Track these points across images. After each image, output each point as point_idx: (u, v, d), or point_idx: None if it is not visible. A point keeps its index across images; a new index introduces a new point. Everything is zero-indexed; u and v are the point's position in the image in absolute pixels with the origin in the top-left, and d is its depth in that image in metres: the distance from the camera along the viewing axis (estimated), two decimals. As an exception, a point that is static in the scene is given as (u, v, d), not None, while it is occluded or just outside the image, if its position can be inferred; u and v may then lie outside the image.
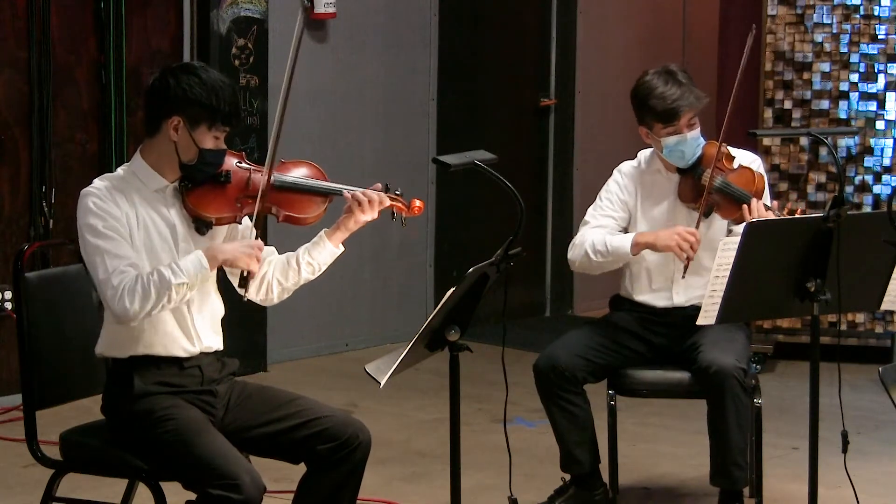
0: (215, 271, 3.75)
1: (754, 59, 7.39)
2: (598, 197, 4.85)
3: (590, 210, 4.84)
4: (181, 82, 3.68)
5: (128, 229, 3.65)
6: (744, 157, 4.80)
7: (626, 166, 4.88)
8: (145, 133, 3.78)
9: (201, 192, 3.74)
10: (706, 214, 4.68)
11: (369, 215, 3.86)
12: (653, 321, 4.79)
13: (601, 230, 4.74)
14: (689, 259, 4.57)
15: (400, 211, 3.94)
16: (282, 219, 3.81)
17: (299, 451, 3.78)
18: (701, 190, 4.66)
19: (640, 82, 4.70)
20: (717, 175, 4.64)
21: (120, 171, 3.78)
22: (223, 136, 3.75)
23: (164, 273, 3.58)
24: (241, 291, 3.81)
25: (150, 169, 3.74)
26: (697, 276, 4.70)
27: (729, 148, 4.74)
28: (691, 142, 4.67)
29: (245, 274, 3.72)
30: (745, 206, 4.56)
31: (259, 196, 3.72)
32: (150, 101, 3.75)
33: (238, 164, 3.80)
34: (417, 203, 3.96)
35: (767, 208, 4.57)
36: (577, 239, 4.77)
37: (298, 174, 3.86)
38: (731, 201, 4.63)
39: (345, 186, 3.87)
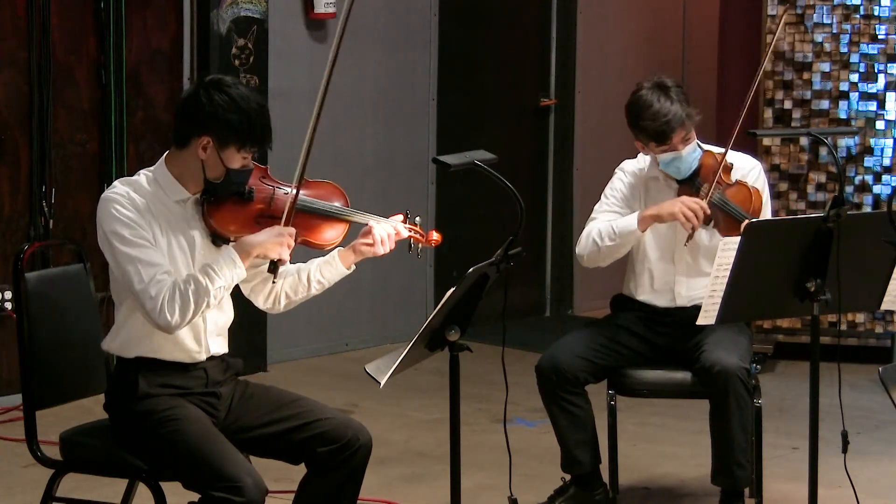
0: None
1: (754, 60, 7.40)
2: (602, 195, 4.86)
3: (596, 207, 4.85)
4: (214, 101, 3.63)
5: (152, 236, 3.64)
6: (744, 163, 4.78)
7: (630, 165, 4.87)
8: (173, 143, 3.74)
9: (222, 209, 3.71)
10: (705, 223, 4.66)
11: (387, 248, 3.85)
12: (655, 321, 4.79)
13: (606, 222, 4.74)
14: (693, 228, 4.56)
15: (417, 241, 3.93)
16: (299, 242, 3.79)
17: (299, 452, 3.78)
18: None
19: (633, 98, 4.67)
20: (715, 191, 4.62)
21: (142, 176, 3.74)
22: (251, 155, 3.72)
23: (201, 280, 3.57)
24: (266, 285, 3.83)
25: (173, 179, 3.71)
26: (698, 278, 4.71)
27: (729, 153, 4.71)
28: (686, 157, 4.66)
29: (276, 260, 3.69)
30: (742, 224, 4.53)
31: (283, 220, 3.68)
32: (182, 115, 3.72)
33: (261, 179, 3.78)
34: (435, 235, 3.95)
35: None
36: (583, 233, 4.77)
37: (321, 197, 3.83)
38: (729, 219, 4.61)
39: (368, 215, 3.86)
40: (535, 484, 5.04)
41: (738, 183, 4.70)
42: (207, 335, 3.77)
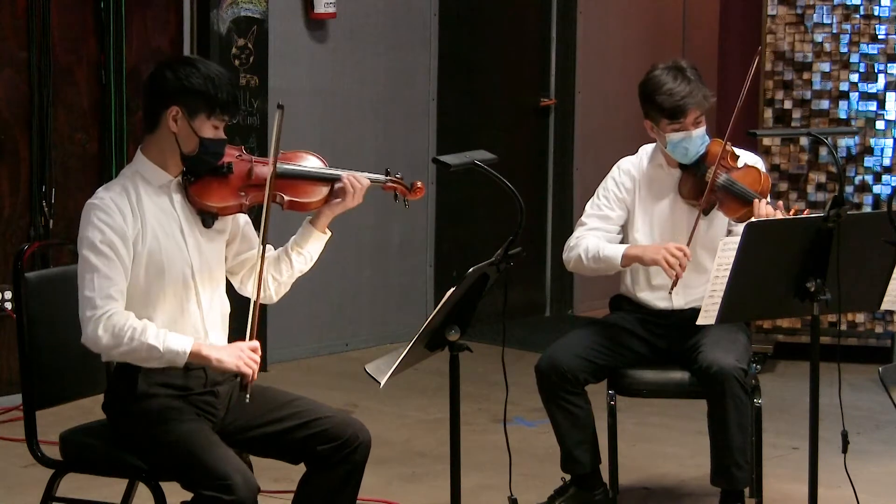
0: None
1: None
2: (595, 193, 4.85)
3: (587, 207, 4.84)
4: (178, 73, 3.67)
5: (131, 240, 3.64)
6: (746, 158, 4.78)
7: (626, 163, 4.87)
8: (145, 129, 3.77)
9: (204, 184, 3.75)
10: (706, 213, 4.67)
11: (356, 201, 3.88)
12: (653, 322, 4.79)
13: (597, 234, 4.74)
14: (677, 276, 4.55)
15: (402, 193, 3.95)
16: (287, 206, 3.82)
17: (299, 451, 3.78)
18: (703, 187, 4.65)
19: (649, 76, 4.68)
20: (720, 172, 4.63)
21: (121, 177, 3.75)
22: (222, 126, 3.74)
23: (149, 330, 3.56)
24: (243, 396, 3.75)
25: (152, 165, 3.73)
26: (697, 275, 4.70)
27: (733, 148, 4.73)
28: (696, 139, 4.66)
29: (240, 379, 3.67)
30: (753, 204, 4.54)
31: (267, 187, 3.71)
32: (148, 94, 3.75)
33: (238, 157, 3.82)
34: (419, 184, 3.99)
35: (775, 209, 4.56)
36: (572, 240, 4.78)
37: (300, 161, 3.91)
38: (736, 199, 4.61)
39: (342, 172, 3.91)
40: (535, 484, 5.04)
41: (747, 166, 4.70)
42: (207, 326, 3.76)
